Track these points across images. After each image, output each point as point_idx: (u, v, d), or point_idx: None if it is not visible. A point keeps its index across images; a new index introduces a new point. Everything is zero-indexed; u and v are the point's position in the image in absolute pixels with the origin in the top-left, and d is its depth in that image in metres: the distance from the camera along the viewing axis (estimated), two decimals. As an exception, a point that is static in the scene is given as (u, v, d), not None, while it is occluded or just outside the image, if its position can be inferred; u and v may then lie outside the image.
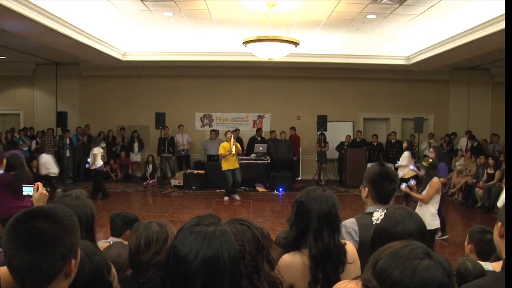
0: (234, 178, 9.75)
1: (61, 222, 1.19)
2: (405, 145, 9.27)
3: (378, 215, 1.57)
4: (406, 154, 8.94)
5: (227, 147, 9.58)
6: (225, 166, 9.65)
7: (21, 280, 1.16)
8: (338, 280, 1.84)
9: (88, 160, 9.73)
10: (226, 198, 9.78)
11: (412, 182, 5.44)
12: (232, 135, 9.82)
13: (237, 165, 9.79)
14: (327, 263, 1.87)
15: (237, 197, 9.78)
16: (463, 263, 2.27)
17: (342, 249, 1.91)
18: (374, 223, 1.57)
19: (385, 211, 1.56)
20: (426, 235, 1.53)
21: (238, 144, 9.86)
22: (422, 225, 1.53)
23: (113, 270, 1.49)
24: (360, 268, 1.96)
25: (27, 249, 1.13)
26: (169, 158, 12.46)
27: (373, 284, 1.02)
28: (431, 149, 6.70)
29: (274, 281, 1.33)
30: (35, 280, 1.14)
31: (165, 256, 1.16)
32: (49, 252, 1.14)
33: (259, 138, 12.40)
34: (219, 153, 9.73)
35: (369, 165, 11.21)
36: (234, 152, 9.50)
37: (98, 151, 9.57)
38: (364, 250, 1.93)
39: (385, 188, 2.27)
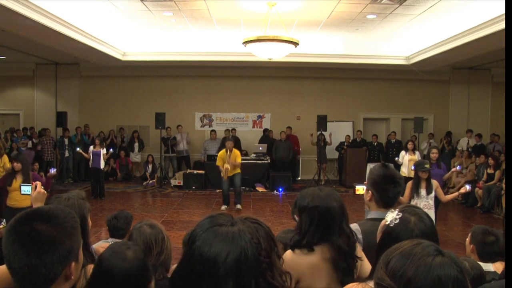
0: (232, 184, 8.81)
1: (60, 224, 1.17)
2: (411, 145, 9.04)
3: (392, 216, 1.53)
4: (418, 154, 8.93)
5: (224, 158, 8.30)
6: (223, 174, 8.59)
7: (20, 282, 1.15)
8: (352, 273, 1.86)
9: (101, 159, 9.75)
10: (223, 207, 8.86)
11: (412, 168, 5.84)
12: (228, 146, 8.18)
13: (236, 171, 8.64)
14: (349, 255, 1.88)
15: (238, 206, 8.80)
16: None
17: (352, 233, 1.94)
18: (387, 223, 1.53)
19: (400, 214, 1.53)
20: (437, 240, 1.51)
21: (237, 159, 8.29)
22: (433, 230, 1.52)
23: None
24: (365, 265, 1.97)
25: (25, 251, 1.11)
26: (173, 158, 12.51)
27: (388, 283, 1.03)
28: (435, 150, 6.65)
29: (285, 274, 1.35)
30: (34, 282, 1.13)
31: (185, 259, 1.12)
32: (47, 254, 1.13)
33: (270, 138, 12.43)
34: (217, 164, 8.51)
35: (370, 165, 11.22)
36: (223, 171, 8.19)
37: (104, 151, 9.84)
38: (368, 257, 1.92)
39: (389, 191, 2.19)
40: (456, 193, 5.60)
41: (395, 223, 1.50)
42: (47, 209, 1.22)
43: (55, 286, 1.16)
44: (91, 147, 9.78)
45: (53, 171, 6.62)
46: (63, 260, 1.15)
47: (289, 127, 12.48)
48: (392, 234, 1.49)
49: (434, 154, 6.45)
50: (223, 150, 8.21)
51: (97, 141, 9.83)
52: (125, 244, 1.51)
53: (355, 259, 1.89)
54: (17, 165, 5.48)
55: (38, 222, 1.15)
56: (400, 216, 1.51)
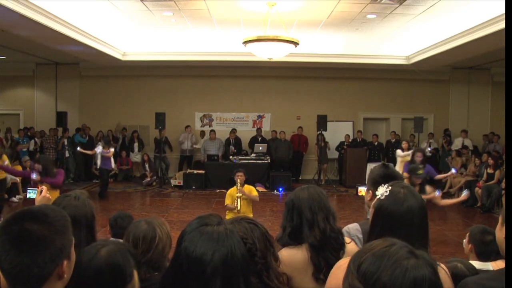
0: None
1: (50, 223, 1.17)
2: (405, 145, 9.22)
3: (382, 190, 1.57)
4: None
5: (234, 195, 5.74)
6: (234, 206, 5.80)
7: (13, 283, 1.14)
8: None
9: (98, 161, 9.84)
10: None
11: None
12: (239, 179, 5.63)
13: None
14: (327, 250, 1.89)
15: None
16: (456, 267, 2.24)
17: (339, 232, 1.96)
18: (377, 197, 1.57)
19: (390, 187, 1.56)
20: (426, 214, 1.54)
21: (252, 192, 5.74)
22: (424, 204, 1.55)
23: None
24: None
25: (16, 251, 1.11)
26: (164, 158, 12.47)
27: None
28: (419, 154, 6.74)
29: (281, 276, 1.34)
30: (26, 282, 1.12)
31: (173, 259, 1.12)
32: (38, 254, 1.12)
33: (259, 138, 12.41)
34: (225, 203, 5.81)
35: (371, 165, 11.22)
36: (239, 208, 5.62)
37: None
38: None
39: None
40: (455, 201, 5.68)
41: (385, 196, 1.53)
42: (37, 209, 1.21)
43: (48, 286, 1.16)
44: (100, 148, 9.78)
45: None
46: (54, 259, 1.14)
47: (300, 127, 12.62)
48: (382, 207, 1.53)
49: (419, 157, 6.52)
50: (234, 188, 5.82)
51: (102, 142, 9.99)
52: (101, 243, 1.48)
53: (336, 257, 1.90)
54: (38, 166, 5.69)
55: (29, 221, 1.14)
56: (389, 189, 1.55)
